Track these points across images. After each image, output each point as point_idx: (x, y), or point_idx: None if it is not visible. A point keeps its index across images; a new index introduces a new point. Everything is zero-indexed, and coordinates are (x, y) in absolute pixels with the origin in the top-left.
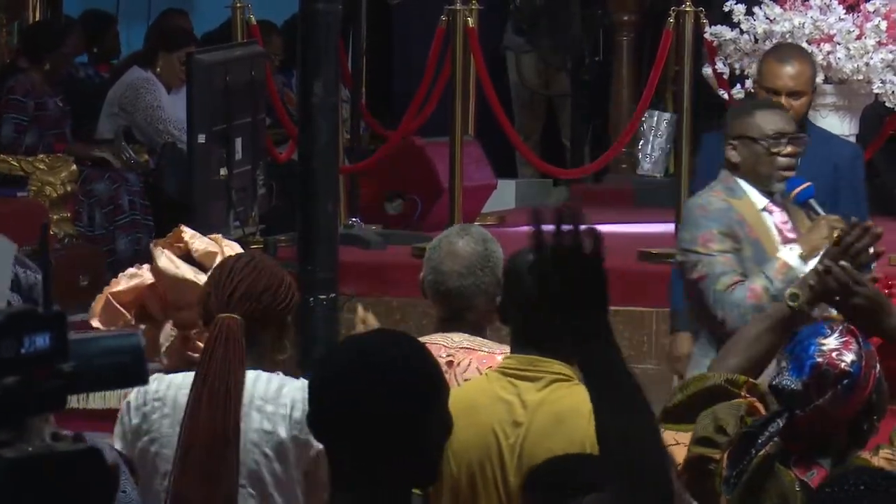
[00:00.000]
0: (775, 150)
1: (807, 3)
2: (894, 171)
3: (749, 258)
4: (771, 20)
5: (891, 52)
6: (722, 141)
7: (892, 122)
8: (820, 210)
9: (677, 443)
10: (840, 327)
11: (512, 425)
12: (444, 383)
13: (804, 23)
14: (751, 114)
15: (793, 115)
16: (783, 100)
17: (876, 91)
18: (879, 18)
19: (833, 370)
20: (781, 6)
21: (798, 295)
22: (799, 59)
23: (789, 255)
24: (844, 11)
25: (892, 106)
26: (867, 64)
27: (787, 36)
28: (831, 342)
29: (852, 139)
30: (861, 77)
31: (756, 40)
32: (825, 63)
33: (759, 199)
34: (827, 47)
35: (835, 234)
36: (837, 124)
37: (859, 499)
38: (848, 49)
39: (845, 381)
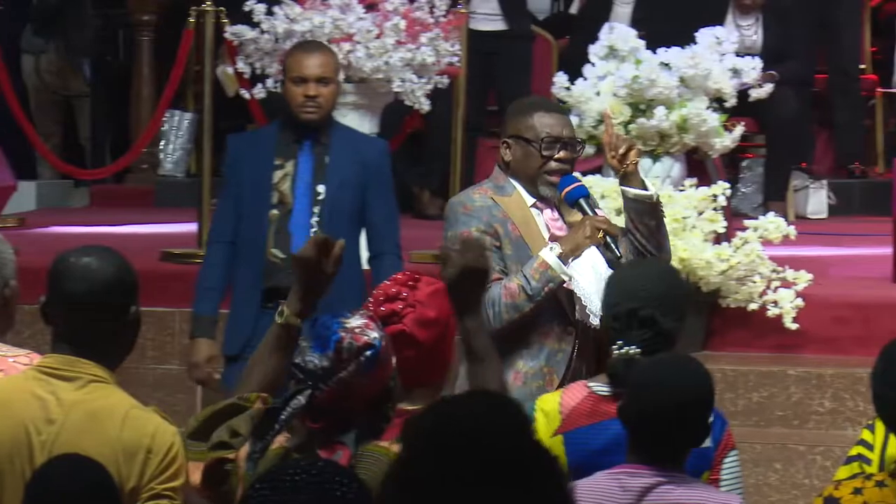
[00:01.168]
0: (547, 153)
1: (326, 2)
2: (413, 170)
3: (510, 256)
4: (291, 19)
5: (410, 50)
6: (247, 140)
7: (410, 121)
8: (589, 210)
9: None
10: (361, 312)
11: (45, 422)
12: None
13: (324, 22)
14: (528, 115)
15: (322, 101)
16: (311, 87)
17: (396, 90)
18: (398, 17)
19: (356, 343)
20: (301, 5)
21: (284, 310)
22: (323, 49)
23: (549, 254)
24: (364, 10)
25: (411, 105)
26: (387, 63)
27: (308, 35)
28: (354, 322)
29: None
30: (381, 76)
31: (277, 40)
32: (346, 62)
33: (528, 196)
34: (347, 46)
35: (599, 235)
36: (358, 123)
37: (295, 494)
38: (368, 48)
39: (368, 353)
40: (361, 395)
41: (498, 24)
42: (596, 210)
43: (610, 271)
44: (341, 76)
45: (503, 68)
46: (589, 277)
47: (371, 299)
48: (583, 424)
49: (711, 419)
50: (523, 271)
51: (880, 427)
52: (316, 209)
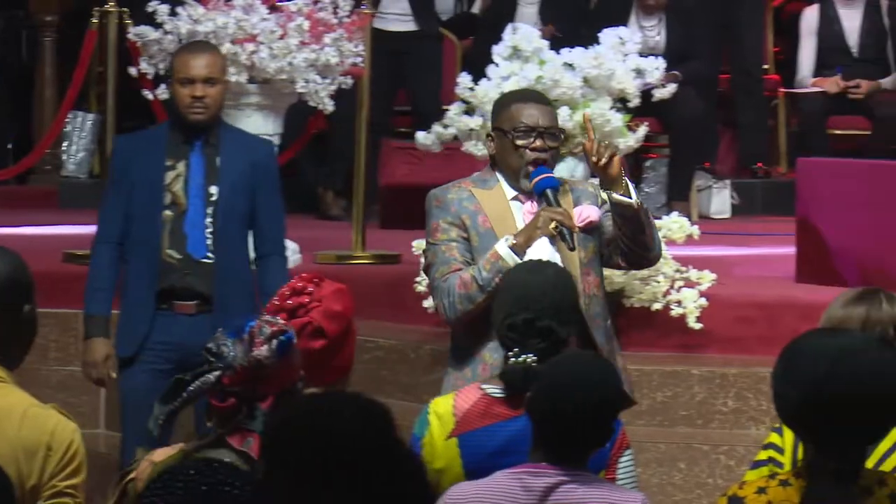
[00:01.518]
0: (521, 142)
1: (230, 3)
2: (317, 171)
3: (477, 248)
4: (195, 20)
5: (313, 51)
6: (136, 141)
7: (315, 122)
8: (553, 202)
9: None
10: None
11: None
12: None
13: (228, 23)
14: (506, 107)
15: (209, 101)
16: (199, 88)
17: (300, 90)
18: (302, 18)
19: (271, 328)
20: (205, 6)
21: None
22: (209, 49)
23: (502, 245)
24: (268, 11)
25: (315, 105)
26: (291, 63)
27: (211, 36)
28: (268, 317)
29: (276, 139)
30: (285, 77)
31: (180, 40)
32: (249, 63)
33: (509, 189)
34: (251, 47)
35: (551, 226)
36: (262, 124)
37: (187, 495)
38: (271, 49)
39: (282, 337)
40: (271, 380)
41: (408, 25)
42: (560, 202)
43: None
44: (244, 77)
45: (413, 68)
46: None
47: (277, 295)
48: (477, 426)
49: None
50: (478, 262)
51: (788, 430)
52: (209, 210)
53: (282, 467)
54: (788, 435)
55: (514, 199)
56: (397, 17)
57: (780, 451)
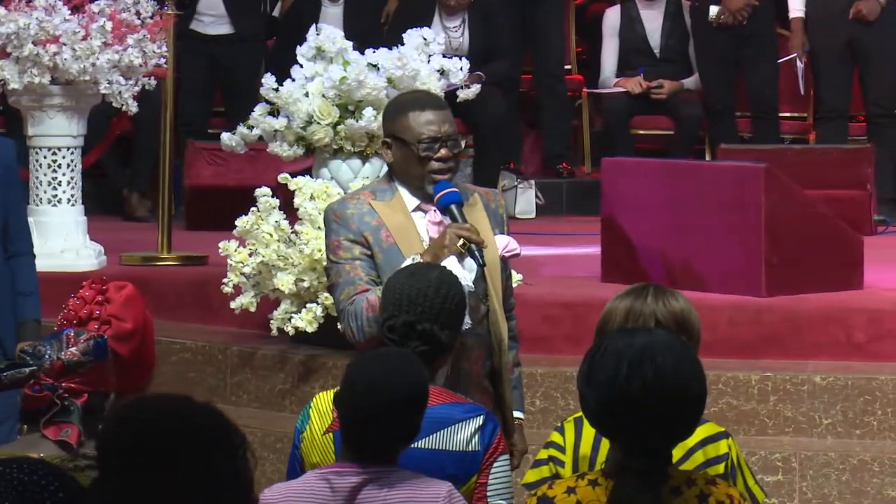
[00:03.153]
0: (425, 154)
1: (31, 4)
2: (122, 172)
3: (380, 265)
4: None
5: (116, 52)
6: None
7: (118, 123)
8: (459, 217)
9: None
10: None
11: None
12: None
13: (30, 24)
14: (403, 114)
15: None
16: None
17: (103, 91)
18: (105, 19)
19: (84, 332)
20: (6, 7)
21: None
22: None
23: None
24: (70, 12)
25: (119, 106)
26: (94, 65)
27: (13, 37)
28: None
29: (80, 140)
30: (88, 78)
31: None
32: (52, 64)
33: (411, 199)
34: (53, 48)
35: (459, 243)
36: (65, 125)
37: None
38: (74, 50)
39: (98, 339)
40: (84, 378)
41: (224, 28)
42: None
43: (470, 283)
44: (47, 79)
45: (229, 70)
46: None
47: (62, 320)
48: None
49: (481, 423)
50: (384, 281)
51: (570, 429)
52: None
53: (121, 467)
54: (570, 434)
55: (417, 209)
56: (213, 20)
57: (562, 449)
